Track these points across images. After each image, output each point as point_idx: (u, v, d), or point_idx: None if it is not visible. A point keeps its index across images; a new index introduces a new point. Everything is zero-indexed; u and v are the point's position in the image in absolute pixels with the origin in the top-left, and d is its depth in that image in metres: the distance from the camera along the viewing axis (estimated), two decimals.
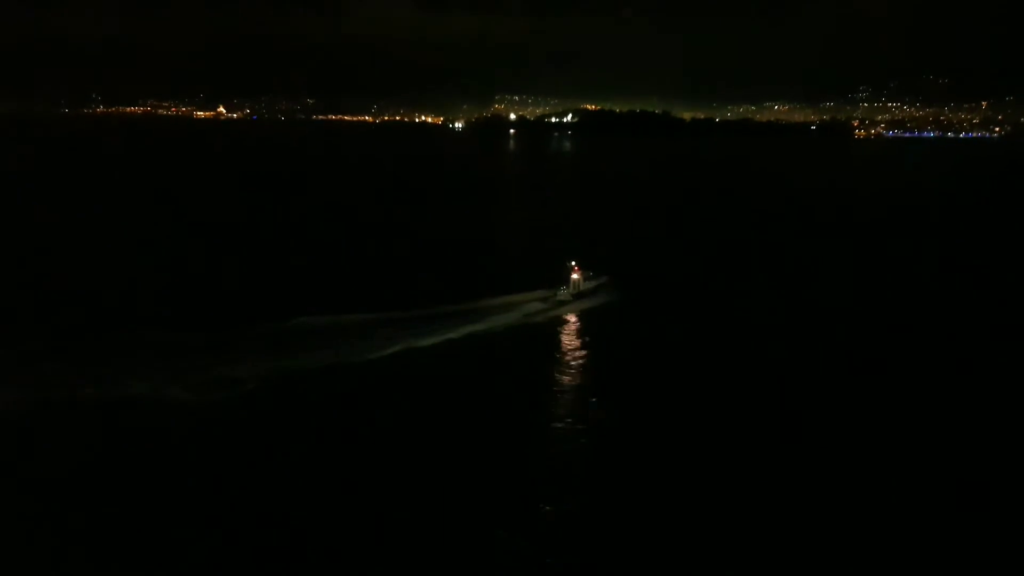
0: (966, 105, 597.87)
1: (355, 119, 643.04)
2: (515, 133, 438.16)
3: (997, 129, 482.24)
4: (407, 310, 36.76)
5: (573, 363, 31.58)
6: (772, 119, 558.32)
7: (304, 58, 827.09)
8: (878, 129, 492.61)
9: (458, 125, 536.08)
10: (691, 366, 32.30)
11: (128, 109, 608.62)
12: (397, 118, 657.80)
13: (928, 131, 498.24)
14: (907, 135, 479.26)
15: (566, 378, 30.07)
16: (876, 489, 22.56)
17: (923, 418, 27.63)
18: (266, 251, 56.78)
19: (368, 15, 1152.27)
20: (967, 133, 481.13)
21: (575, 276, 39.91)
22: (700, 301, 43.83)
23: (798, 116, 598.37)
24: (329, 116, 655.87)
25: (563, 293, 39.49)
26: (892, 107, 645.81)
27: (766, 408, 27.81)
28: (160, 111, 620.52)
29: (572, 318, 37.57)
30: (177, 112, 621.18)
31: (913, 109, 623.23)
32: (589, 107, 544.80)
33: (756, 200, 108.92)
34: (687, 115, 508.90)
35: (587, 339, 34.65)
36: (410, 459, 23.34)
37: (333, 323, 35.27)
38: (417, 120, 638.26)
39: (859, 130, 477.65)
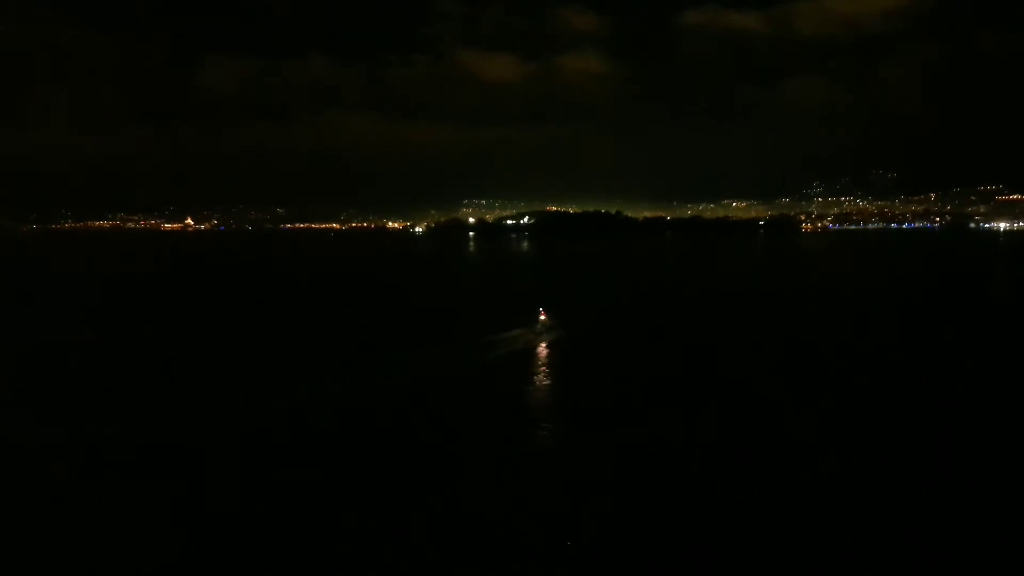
0: (915, 198, 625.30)
1: (322, 227, 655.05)
2: (474, 235, 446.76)
3: (937, 219, 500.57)
4: (456, 343, 52.96)
5: (563, 363, 49.07)
6: (726, 215, 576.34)
7: (274, 169, 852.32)
8: (824, 223, 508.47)
9: (418, 229, 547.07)
10: (626, 358, 50.93)
11: (96, 223, 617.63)
12: (364, 225, 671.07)
13: (873, 223, 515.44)
14: (852, 227, 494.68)
15: (563, 371, 46.43)
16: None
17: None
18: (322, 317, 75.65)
19: (334, 125, 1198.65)
20: (909, 224, 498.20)
21: (543, 317, 58.00)
22: (618, 328, 66.24)
23: (753, 213, 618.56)
24: (297, 225, 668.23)
25: (539, 328, 57.25)
26: (844, 201, 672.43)
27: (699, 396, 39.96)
28: (128, 224, 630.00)
29: (547, 342, 54.67)
30: (146, 225, 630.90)
31: (865, 203, 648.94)
32: (553, 209, 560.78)
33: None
34: (645, 214, 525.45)
35: (565, 352, 52.09)
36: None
37: (393, 354, 49.69)
38: (387, 226, 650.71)
39: (806, 224, 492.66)
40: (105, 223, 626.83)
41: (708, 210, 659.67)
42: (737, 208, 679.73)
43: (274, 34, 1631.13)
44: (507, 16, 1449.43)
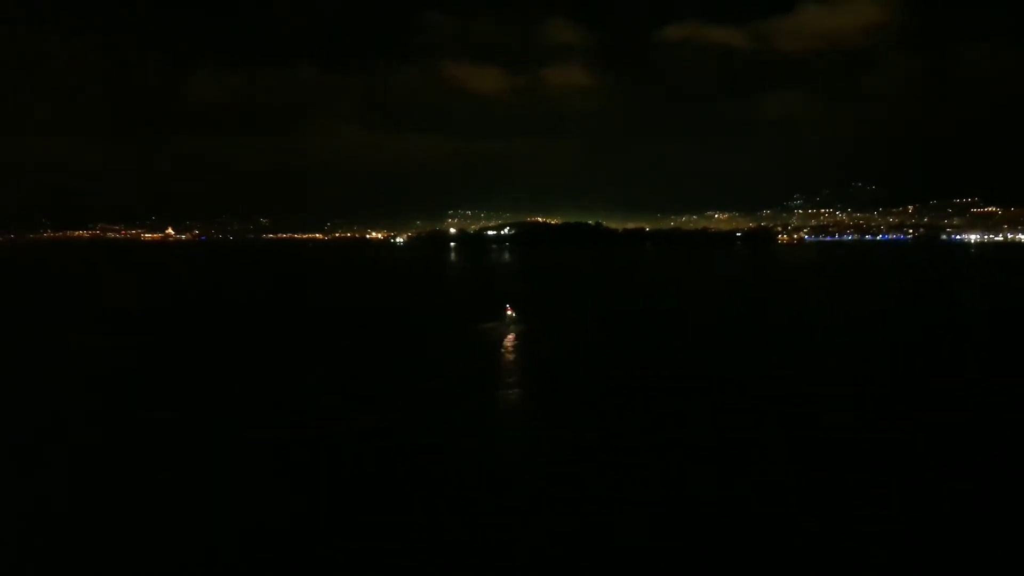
0: (894, 210, 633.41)
1: (305, 237, 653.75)
2: (455, 245, 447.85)
3: (911, 231, 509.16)
4: (443, 335, 64.18)
5: (534, 345, 58.57)
6: (707, 227, 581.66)
7: (257, 179, 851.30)
8: (800, 234, 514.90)
9: (399, 240, 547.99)
10: (580, 341, 60.66)
11: (75, 233, 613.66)
12: (349, 235, 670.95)
13: (848, 234, 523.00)
14: (827, 239, 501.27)
15: (534, 351, 56.22)
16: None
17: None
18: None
19: (322, 136, 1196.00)
20: (883, 235, 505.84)
21: (510, 312, 67.52)
22: (567, 320, 75.25)
23: (735, 224, 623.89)
24: (280, 235, 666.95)
25: (508, 320, 66.73)
26: (824, 214, 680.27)
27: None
28: (109, 234, 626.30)
29: (516, 332, 63.77)
30: (126, 235, 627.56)
31: (845, 216, 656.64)
32: (539, 219, 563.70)
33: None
34: (628, 225, 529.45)
35: (532, 338, 61.70)
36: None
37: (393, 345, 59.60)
38: (368, 236, 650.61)
39: (783, 235, 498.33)
40: (84, 233, 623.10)
41: (691, 222, 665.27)
42: (719, 220, 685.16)
43: (261, 45, 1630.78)
44: (494, 29, 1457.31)
